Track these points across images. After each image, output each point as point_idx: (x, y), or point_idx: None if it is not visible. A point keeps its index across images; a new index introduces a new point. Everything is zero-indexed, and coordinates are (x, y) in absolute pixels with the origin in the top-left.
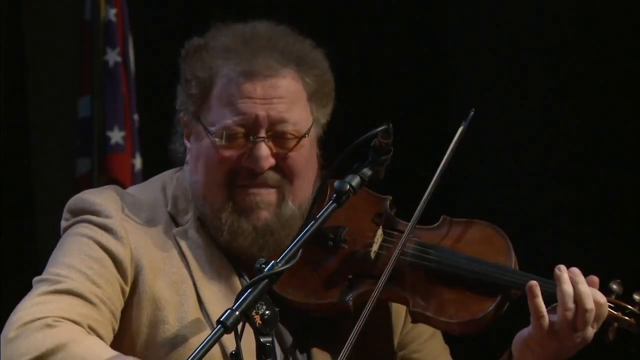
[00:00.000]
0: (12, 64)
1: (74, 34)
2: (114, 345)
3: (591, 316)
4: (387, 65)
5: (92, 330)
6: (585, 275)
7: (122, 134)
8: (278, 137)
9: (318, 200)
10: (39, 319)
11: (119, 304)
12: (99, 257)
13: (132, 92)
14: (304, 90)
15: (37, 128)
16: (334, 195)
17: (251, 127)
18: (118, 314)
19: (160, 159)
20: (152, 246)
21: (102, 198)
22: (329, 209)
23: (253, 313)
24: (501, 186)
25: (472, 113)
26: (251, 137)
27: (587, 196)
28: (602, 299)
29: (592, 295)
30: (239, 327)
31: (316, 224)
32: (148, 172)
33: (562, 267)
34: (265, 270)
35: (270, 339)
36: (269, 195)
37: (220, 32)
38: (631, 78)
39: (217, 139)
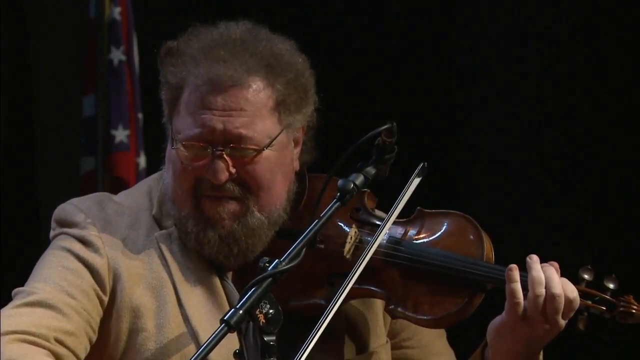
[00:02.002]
0: (16, 63)
1: (78, 32)
2: (94, 355)
3: (560, 303)
4: (391, 63)
5: (59, 342)
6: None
7: (127, 132)
8: (237, 151)
9: (321, 199)
10: (4, 333)
11: (96, 314)
12: (75, 268)
13: (137, 91)
14: (271, 98)
15: (41, 127)
16: (338, 193)
17: (209, 139)
18: (95, 325)
19: (164, 157)
20: (132, 253)
21: (83, 208)
22: (333, 208)
23: (257, 312)
24: (495, 179)
25: (423, 165)
26: (209, 150)
27: (576, 191)
28: (573, 293)
29: (564, 287)
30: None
31: (320, 223)
32: (152, 171)
33: (534, 256)
34: (269, 269)
35: (273, 337)
36: (232, 206)
37: (193, 35)
38: (635, 76)
39: (180, 149)
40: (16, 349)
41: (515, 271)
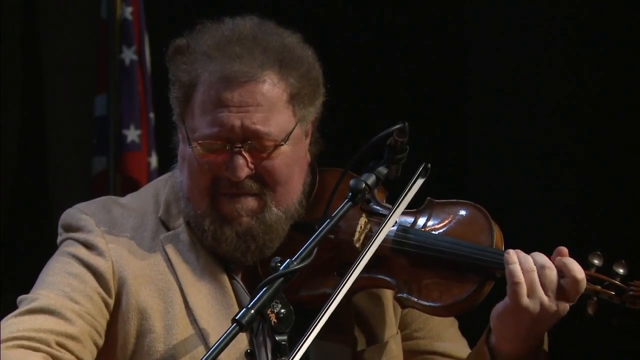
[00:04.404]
0: (28, 63)
1: (90, 32)
2: (103, 359)
3: (552, 274)
4: (402, 59)
5: (61, 346)
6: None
7: (138, 132)
8: (255, 147)
9: (333, 198)
10: (5, 340)
11: (101, 317)
12: (79, 273)
13: (148, 91)
14: (285, 92)
15: (53, 126)
16: (350, 193)
17: (228, 137)
18: (101, 328)
19: (176, 157)
20: (137, 255)
21: (88, 212)
22: (345, 208)
23: (268, 311)
24: (504, 168)
25: (426, 166)
26: (227, 147)
27: (586, 178)
28: (581, 274)
29: (574, 269)
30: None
31: (331, 223)
32: (164, 171)
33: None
34: (281, 268)
35: (285, 337)
36: (250, 202)
37: (203, 32)
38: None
39: (197, 147)
40: (12, 354)
41: (512, 254)
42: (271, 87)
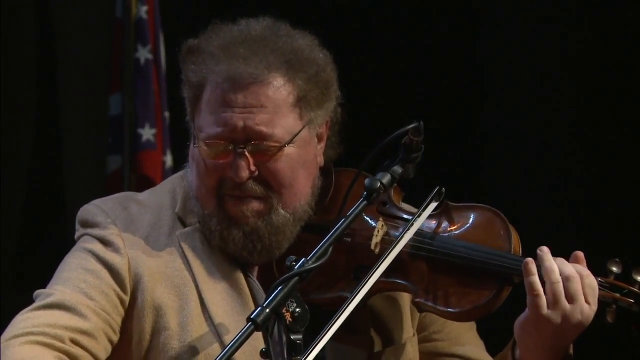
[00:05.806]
0: (43, 62)
1: (105, 31)
2: (119, 356)
3: (577, 283)
4: (419, 62)
5: (75, 343)
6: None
7: (153, 131)
8: (258, 148)
9: (348, 197)
10: (20, 335)
11: (116, 314)
12: (94, 269)
13: (163, 90)
14: (291, 94)
15: (68, 125)
16: (365, 192)
17: (231, 137)
18: (116, 325)
19: (187, 156)
20: (153, 251)
21: (105, 208)
22: (360, 207)
23: (283, 310)
24: (521, 173)
25: (439, 189)
26: (231, 147)
27: (604, 184)
28: (585, 271)
29: (578, 270)
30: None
31: (346, 222)
32: (179, 170)
33: (544, 247)
34: (296, 267)
35: (300, 336)
36: (255, 205)
37: (214, 33)
38: None
39: (203, 147)
40: (26, 351)
41: (532, 264)
42: (276, 89)
